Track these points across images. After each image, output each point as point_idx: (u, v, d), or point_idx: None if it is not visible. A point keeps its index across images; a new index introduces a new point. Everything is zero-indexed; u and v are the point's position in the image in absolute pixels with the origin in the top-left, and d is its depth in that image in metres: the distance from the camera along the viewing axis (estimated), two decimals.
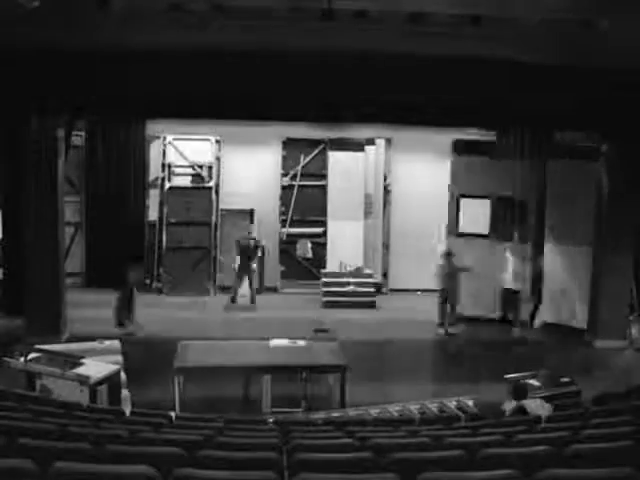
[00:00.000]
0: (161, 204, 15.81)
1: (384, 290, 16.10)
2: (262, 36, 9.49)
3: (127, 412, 7.20)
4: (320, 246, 16.06)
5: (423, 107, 11.23)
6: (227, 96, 11.03)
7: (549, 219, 13.64)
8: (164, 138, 15.76)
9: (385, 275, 16.33)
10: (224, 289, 15.49)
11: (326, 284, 15.31)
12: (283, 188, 16.10)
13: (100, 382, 8.06)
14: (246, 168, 15.89)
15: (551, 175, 13.50)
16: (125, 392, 8.75)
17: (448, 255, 13.31)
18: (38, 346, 8.70)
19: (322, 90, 10.96)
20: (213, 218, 15.74)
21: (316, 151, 16.09)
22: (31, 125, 11.61)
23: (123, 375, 8.80)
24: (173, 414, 7.26)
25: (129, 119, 15.39)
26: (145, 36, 9.73)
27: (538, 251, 13.77)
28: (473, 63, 10.51)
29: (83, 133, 15.52)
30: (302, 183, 16.12)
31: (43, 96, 10.87)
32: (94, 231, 15.89)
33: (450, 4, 8.46)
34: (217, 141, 15.78)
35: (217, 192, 15.81)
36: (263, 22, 8.72)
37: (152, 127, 15.71)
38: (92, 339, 9.89)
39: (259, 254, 15.07)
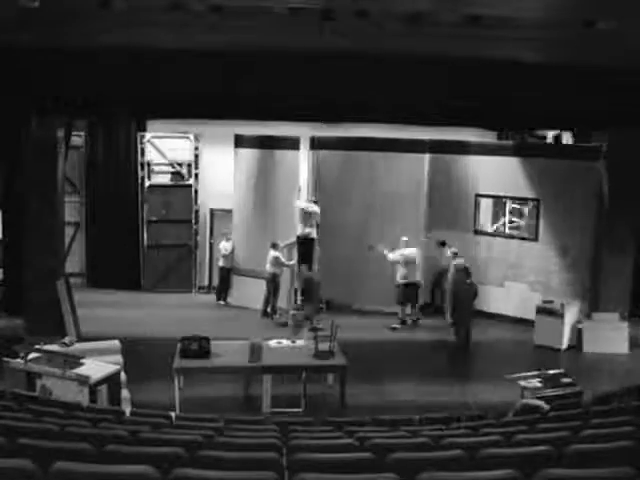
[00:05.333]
0: (141, 202, 15.81)
1: None
2: (262, 36, 9.48)
3: (127, 412, 7.20)
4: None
5: (422, 107, 11.24)
6: (227, 96, 11.03)
7: (549, 219, 13.64)
8: (142, 136, 15.68)
9: None
10: (204, 288, 15.70)
11: None
12: None
13: (100, 382, 8.07)
14: (226, 166, 15.28)
15: (551, 175, 13.49)
16: (125, 392, 8.76)
17: None
18: (38, 346, 8.71)
19: (322, 90, 10.95)
20: (193, 216, 15.81)
21: None
22: (31, 125, 11.63)
23: (123, 375, 8.81)
24: (173, 414, 7.26)
25: (129, 119, 15.39)
26: (145, 36, 9.73)
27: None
28: (473, 63, 10.51)
29: (83, 133, 15.54)
30: None
31: (43, 96, 10.87)
32: (94, 231, 15.90)
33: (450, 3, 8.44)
34: (196, 138, 15.72)
35: (197, 190, 15.83)
36: (263, 22, 8.70)
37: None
38: (92, 339, 9.89)
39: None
